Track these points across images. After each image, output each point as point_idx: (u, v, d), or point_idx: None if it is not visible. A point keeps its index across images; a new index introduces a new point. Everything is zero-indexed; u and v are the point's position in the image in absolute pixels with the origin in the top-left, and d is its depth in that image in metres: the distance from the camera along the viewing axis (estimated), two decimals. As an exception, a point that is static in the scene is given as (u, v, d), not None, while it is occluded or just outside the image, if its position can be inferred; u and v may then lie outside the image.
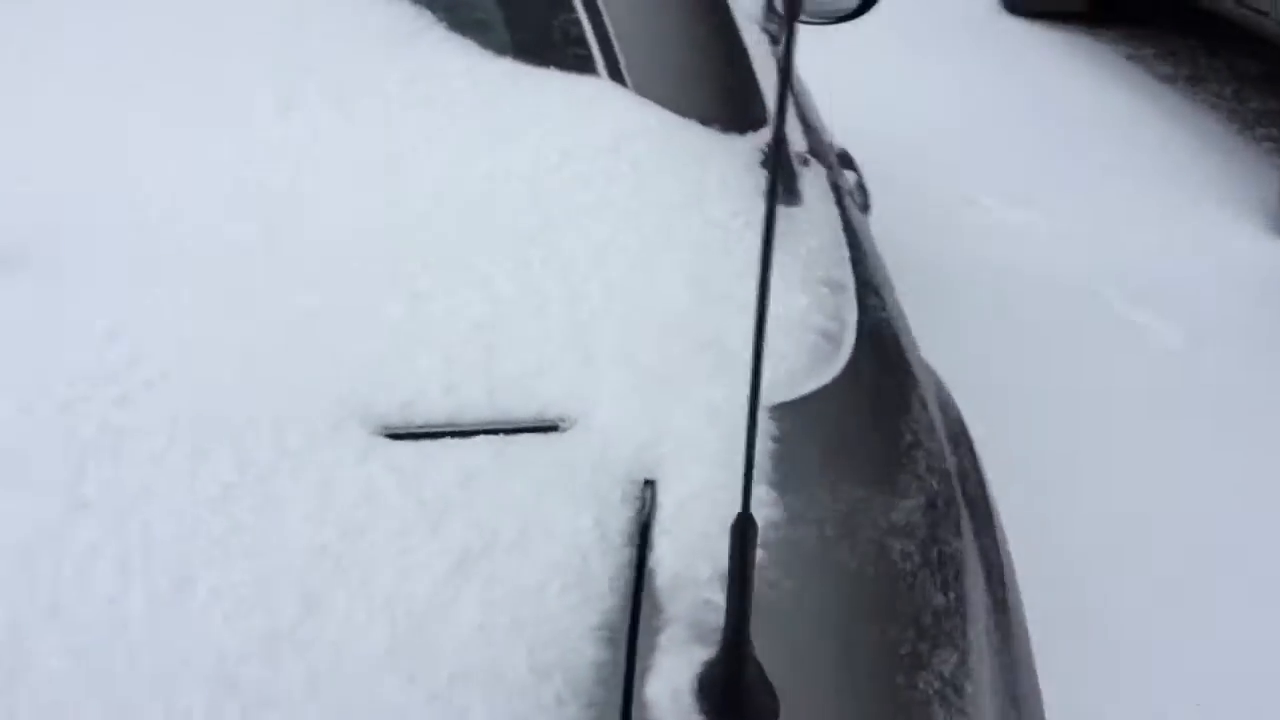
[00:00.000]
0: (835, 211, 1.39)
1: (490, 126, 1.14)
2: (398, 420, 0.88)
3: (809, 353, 1.03)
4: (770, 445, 0.91)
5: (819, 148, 1.63)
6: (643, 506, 0.84)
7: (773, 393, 0.96)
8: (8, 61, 1.12)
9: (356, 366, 0.90)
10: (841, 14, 2.08)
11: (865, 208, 1.69)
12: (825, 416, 0.98)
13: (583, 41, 1.28)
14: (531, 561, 0.78)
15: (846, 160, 1.79)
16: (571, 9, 1.28)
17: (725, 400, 0.93)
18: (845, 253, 1.28)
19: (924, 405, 1.10)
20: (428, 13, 1.23)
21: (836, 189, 1.51)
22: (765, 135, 1.40)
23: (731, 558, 0.66)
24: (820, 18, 2.08)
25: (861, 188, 1.73)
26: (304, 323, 0.93)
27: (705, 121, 1.29)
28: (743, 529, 0.66)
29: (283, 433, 0.84)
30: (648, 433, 0.89)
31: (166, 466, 0.81)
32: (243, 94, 1.12)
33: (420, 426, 0.88)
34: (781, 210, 1.25)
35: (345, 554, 0.77)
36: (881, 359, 1.12)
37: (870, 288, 1.25)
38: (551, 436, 0.89)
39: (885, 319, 1.20)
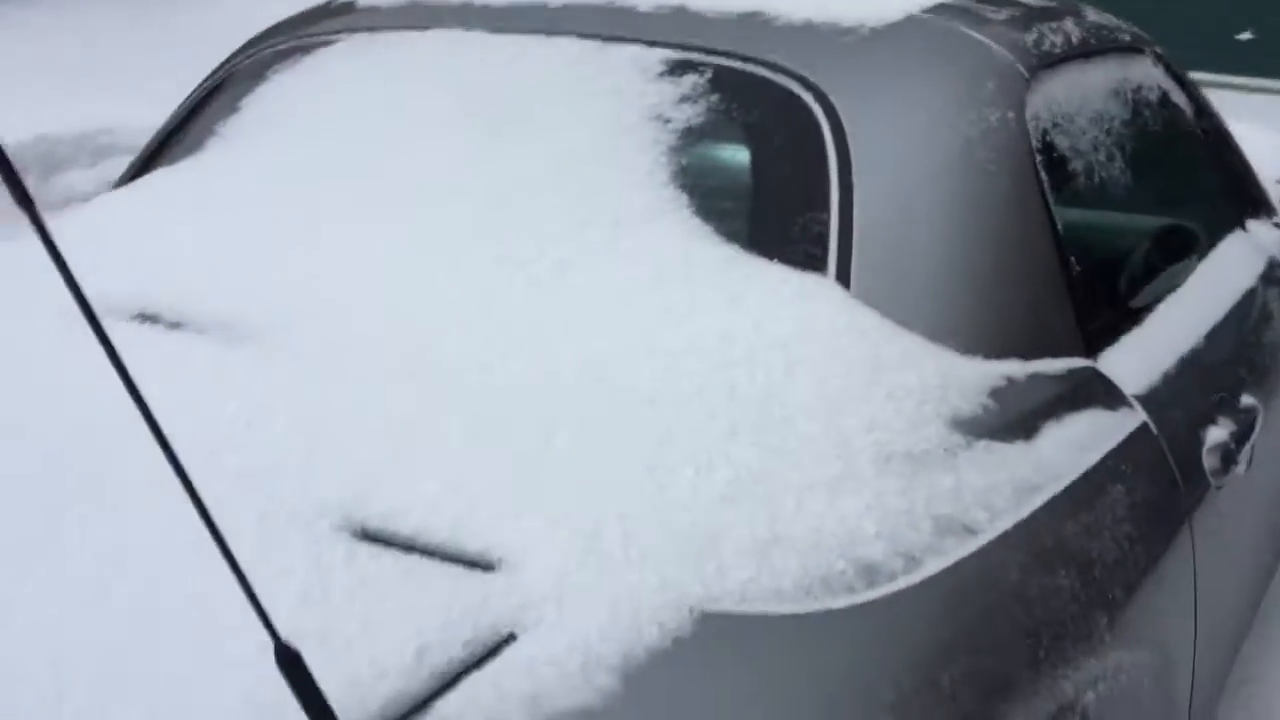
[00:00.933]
0: (1087, 464, 1.22)
1: (667, 305, 1.20)
2: (376, 524, 0.98)
3: (789, 573, 0.95)
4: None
5: (1194, 396, 1.43)
6: (477, 655, 0.86)
7: (668, 589, 0.91)
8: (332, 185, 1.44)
9: (386, 476, 1.03)
10: None
11: (1211, 476, 1.42)
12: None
13: (822, 240, 1.28)
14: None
15: (1246, 419, 1.52)
16: (825, 208, 1.30)
17: (653, 591, 0.91)
18: (1034, 503, 1.13)
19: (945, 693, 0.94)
20: (684, 196, 1.33)
21: (1145, 442, 1.32)
22: (1047, 367, 1.30)
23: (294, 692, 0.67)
24: None
25: (1226, 451, 1.44)
26: (378, 432, 1.08)
27: (936, 336, 1.22)
28: (285, 661, 0.66)
29: (269, 521, 0.98)
30: (548, 591, 0.90)
31: (142, 521, 0.99)
32: (474, 245, 1.30)
33: (389, 534, 0.98)
34: (1000, 447, 1.15)
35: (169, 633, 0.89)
36: (921, 628, 0.98)
37: (1038, 548, 1.09)
38: (471, 572, 0.93)
39: (1009, 586, 1.04)
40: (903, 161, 1.31)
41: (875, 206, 1.28)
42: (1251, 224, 2.01)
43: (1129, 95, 1.75)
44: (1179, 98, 1.90)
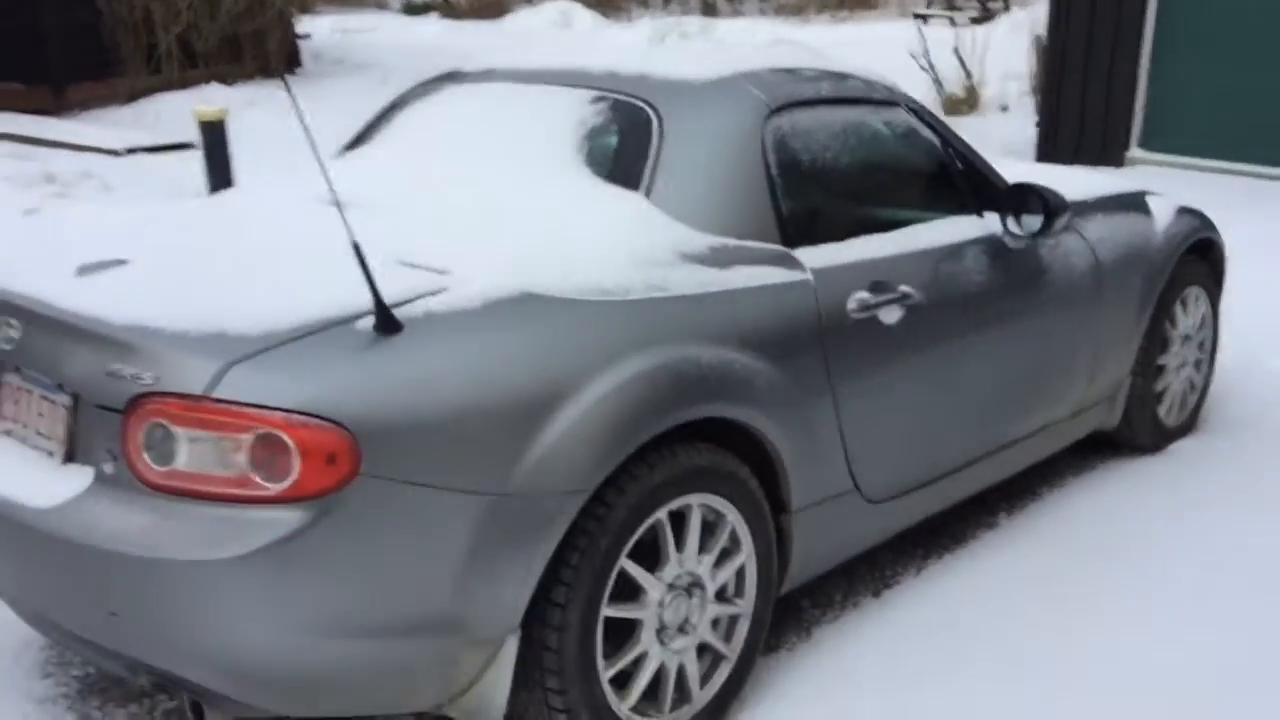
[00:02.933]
0: (752, 283, 2.58)
1: (557, 195, 2.61)
2: (407, 259, 2.40)
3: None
4: None
5: None
6: (432, 289, 2.26)
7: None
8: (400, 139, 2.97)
9: (420, 245, 2.45)
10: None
11: (849, 313, 2.74)
12: None
13: (640, 177, 2.67)
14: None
15: (898, 295, 2.80)
16: (644, 162, 2.69)
17: (507, 283, 2.31)
18: (708, 289, 2.50)
19: None
20: (584, 156, 2.73)
21: (802, 287, 2.66)
22: (749, 243, 2.64)
23: None
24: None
25: (864, 303, 2.74)
26: (419, 229, 2.50)
27: (689, 224, 2.59)
28: (354, 247, 2.09)
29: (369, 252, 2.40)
30: (464, 278, 2.30)
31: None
32: (475, 172, 2.75)
33: (414, 263, 2.40)
34: (700, 267, 2.52)
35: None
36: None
37: (698, 308, 2.47)
38: (438, 274, 2.32)
39: (673, 314, 2.43)
40: (688, 142, 2.70)
41: (669, 162, 2.67)
42: (988, 215, 3.27)
43: (873, 127, 3.09)
44: (927, 134, 3.21)
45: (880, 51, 15.20)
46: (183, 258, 2.51)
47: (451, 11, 26.11)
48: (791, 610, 3.08)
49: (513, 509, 2.13)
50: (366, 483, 2.01)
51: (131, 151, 9.96)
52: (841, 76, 3.12)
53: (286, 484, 1.99)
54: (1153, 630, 2.95)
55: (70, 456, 2.20)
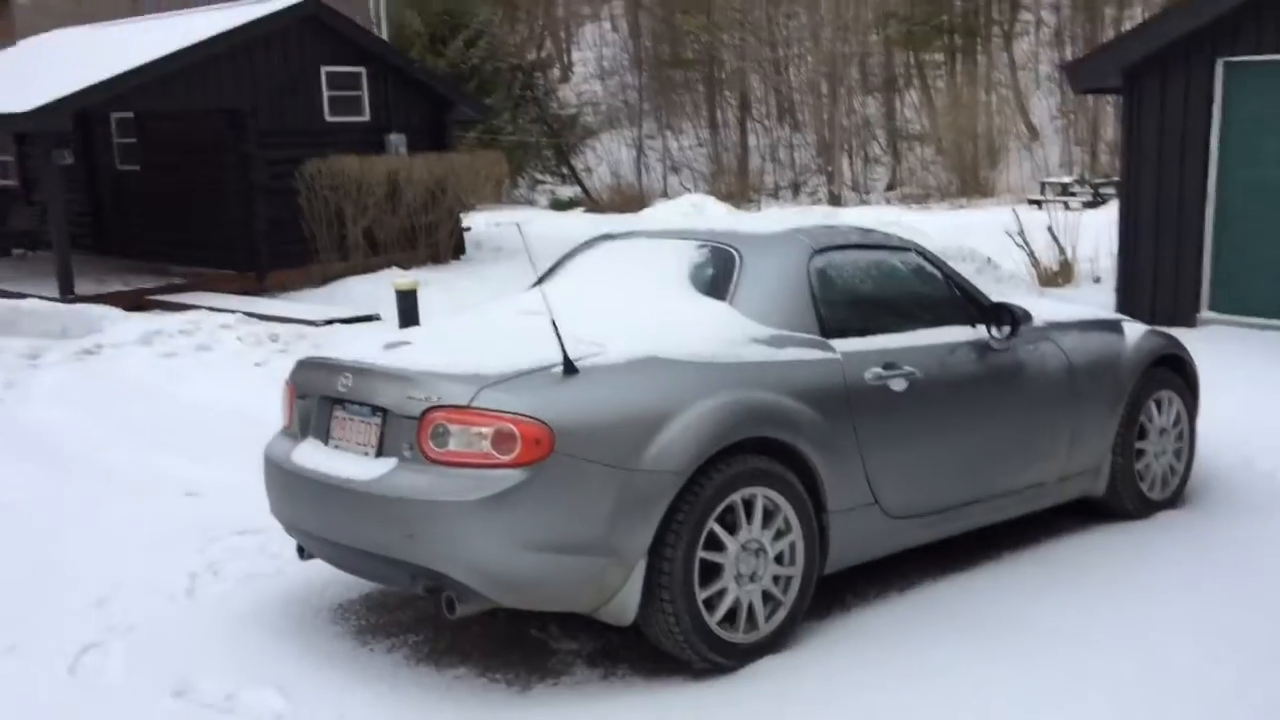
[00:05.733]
0: (799, 359, 4.04)
1: (670, 306, 4.10)
2: (582, 339, 3.87)
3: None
4: None
5: None
6: (595, 352, 3.72)
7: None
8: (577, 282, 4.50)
9: (588, 330, 3.92)
10: None
11: (868, 381, 4.14)
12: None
13: (727, 292, 4.14)
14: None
15: (903, 372, 4.20)
16: (729, 283, 4.17)
17: (633, 350, 3.78)
18: (771, 359, 4.01)
19: None
20: (690, 282, 4.23)
21: (834, 364, 4.12)
22: (800, 336, 4.11)
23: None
24: None
25: (877, 375, 4.13)
26: (589, 321, 3.99)
27: (761, 321, 4.06)
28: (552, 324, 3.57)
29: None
30: (609, 346, 3.76)
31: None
32: (618, 293, 4.27)
33: (589, 345, 3.87)
34: (764, 348, 4.04)
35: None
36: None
37: (760, 371, 3.97)
38: (594, 345, 3.78)
39: (749, 372, 3.91)
40: (758, 270, 4.18)
41: (745, 282, 4.14)
42: (979, 327, 4.63)
43: (891, 263, 4.52)
44: (931, 269, 4.62)
45: (988, 233, 16.72)
46: (446, 337, 4.09)
47: (595, 206, 28.66)
48: (837, 600, 4.36)
49: (642, 479, 3.53)
50: (558, 458, 3.45)
51: (329, 322, 11.94)
52: (867, 231, 4.58)
53: (512, 456, 3.44)
54: (1105, 614, 4.13)
55: (380, 453, 3.70)
